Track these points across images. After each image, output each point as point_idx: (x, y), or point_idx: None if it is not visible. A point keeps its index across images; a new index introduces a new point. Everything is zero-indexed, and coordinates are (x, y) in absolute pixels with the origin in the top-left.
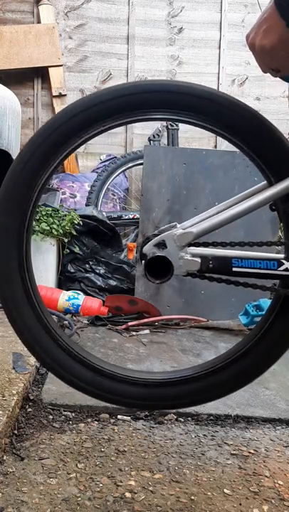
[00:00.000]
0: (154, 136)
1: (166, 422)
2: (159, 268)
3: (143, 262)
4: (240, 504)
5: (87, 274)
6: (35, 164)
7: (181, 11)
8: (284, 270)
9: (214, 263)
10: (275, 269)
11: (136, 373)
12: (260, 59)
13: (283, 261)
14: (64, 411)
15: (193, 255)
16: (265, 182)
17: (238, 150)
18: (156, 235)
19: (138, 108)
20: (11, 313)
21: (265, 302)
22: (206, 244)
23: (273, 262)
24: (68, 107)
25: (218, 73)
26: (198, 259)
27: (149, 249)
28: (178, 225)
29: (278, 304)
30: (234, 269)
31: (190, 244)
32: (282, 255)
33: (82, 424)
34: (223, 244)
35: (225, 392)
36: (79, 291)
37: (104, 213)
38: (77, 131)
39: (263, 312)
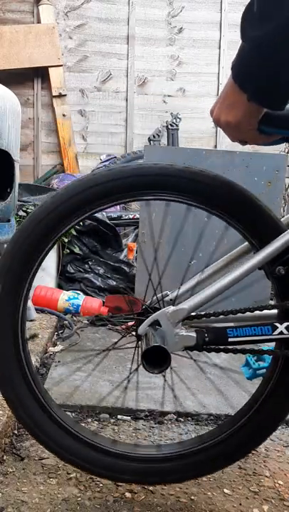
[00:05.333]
0: (154, 136)
1: (166, 422)
2: (156, 355)
3: (141, 353)
4: (240, 504)
5: (87, 275)
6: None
7: (181, 11)
8: (279, 334)
9: (210, 336)
10: (270, 334)
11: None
12: (227, 133)
13: (277, 324)
14: (64, 411)
15: (188, 330)
16: (246, 243)
17: (238, 150)
18: (147, 312)
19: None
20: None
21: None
22: (199, 317)
23: (267, 327)
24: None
25: (218, 73)
26: (194, 334)
27: (143, 329)
28: (169, 293)
29: (278, 365)
30: (230, 339)
31: (184, 319)
32: (274, 319)
33: (83, 424)
34: (215, 314)
35: (236, 457)
36: (79, 291)
37: (104, 213)
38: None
39: (266, 364)
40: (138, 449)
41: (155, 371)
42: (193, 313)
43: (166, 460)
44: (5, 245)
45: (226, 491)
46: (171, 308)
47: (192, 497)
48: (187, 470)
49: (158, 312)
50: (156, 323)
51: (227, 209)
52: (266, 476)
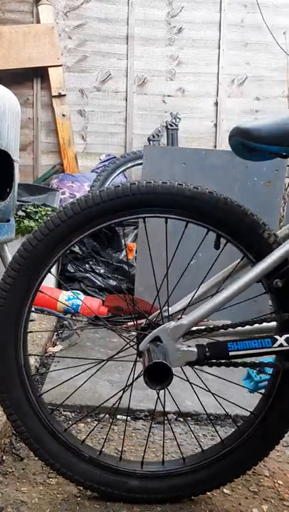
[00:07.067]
0: (153, 136)
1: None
2: (158, 371)
3: (143, 371)
4: (240, 504)
5: (87, 274)
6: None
7: (180, 10)
8: (279, 346)
9: (211, 350)
10: (270, 346)
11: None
12: None
13: (276, 337)
14: (64, 411)
15: (189, 345)
16: (242, 257)
17: None
18: (147, 328)
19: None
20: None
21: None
22: (199, 331)
23: (267, 340)
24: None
25: (218, 73)
26: (195, 349)
27: (145, 345)
28: (170, 308)
29: (278, 378)
30: (231, 353)
31: (184, 335)
32: (273, 331)
33: (82, 424)
34: (215, 329)
35: (243, 469)
36: (79, 291)
37: None
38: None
39: (267, 376)
40: (142, 466)
41: (157, 387)
42: (193, 328)
43: (168, 477)
44: (4, 245)
45: (225, 490)
46: (172, 323)
47: (192, 497)
48: (185, 488)
49: (158, 328)
50: (157, 339)
51: (222, 225)
52: (266, 476)
